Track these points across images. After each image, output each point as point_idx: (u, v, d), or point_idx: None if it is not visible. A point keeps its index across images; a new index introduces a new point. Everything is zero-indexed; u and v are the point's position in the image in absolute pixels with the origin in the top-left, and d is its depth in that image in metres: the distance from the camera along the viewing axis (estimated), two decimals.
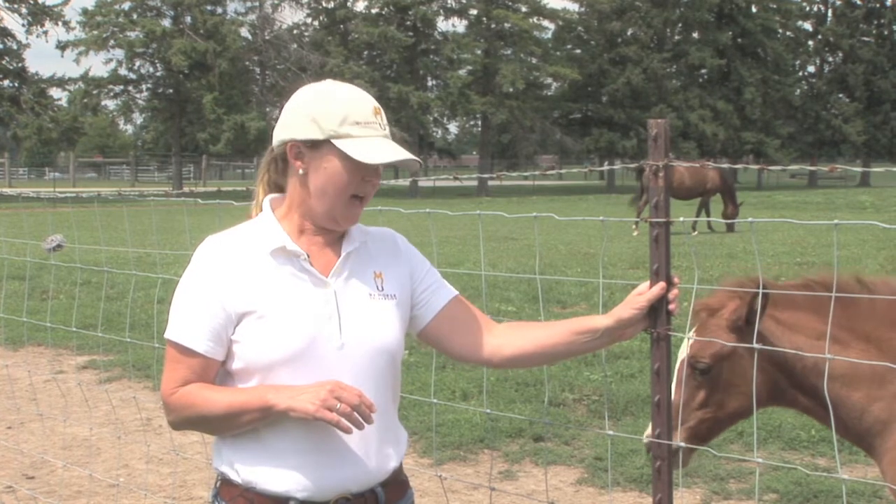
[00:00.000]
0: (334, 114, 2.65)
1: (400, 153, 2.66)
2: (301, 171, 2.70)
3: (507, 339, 2.94)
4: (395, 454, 2.82)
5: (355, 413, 2.51)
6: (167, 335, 2.70)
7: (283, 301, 2.64)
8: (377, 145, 2.66)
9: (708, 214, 26.90)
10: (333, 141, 2.64)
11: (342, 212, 2.71)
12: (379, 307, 2.77)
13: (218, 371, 2.70)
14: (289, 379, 2.61)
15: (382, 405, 2.73)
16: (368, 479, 2.73)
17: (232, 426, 2.64)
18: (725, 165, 3.19)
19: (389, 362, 2.78)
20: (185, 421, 2.71)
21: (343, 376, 2.62)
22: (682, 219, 3.02)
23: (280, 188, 2.84)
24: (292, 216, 2.76)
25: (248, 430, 2.65)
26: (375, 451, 2.73)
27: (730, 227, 25.46)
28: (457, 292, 2.98)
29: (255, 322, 2.63)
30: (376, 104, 2.74)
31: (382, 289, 2.81)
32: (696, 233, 25.48)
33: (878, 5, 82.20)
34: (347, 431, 2.52)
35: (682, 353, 3.60)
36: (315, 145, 2.67)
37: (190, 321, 2.65)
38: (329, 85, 2.76)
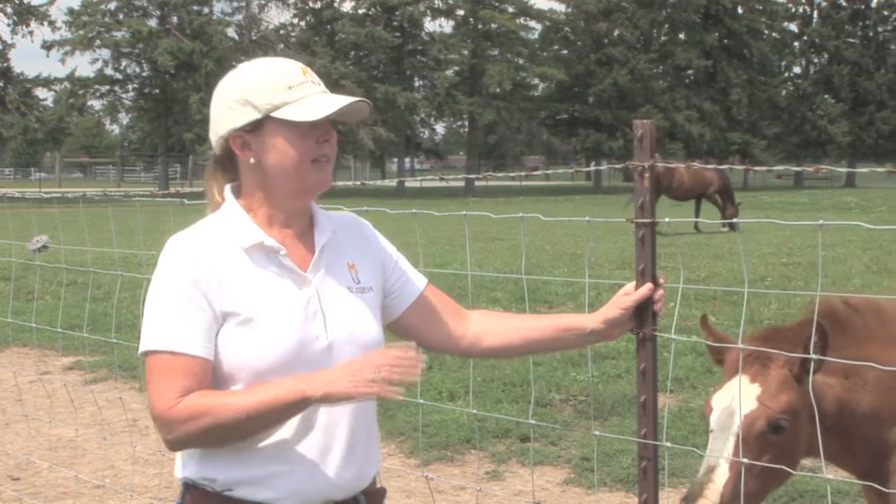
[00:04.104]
0: (263, 87, 2.52)
1: (341, 100, 2.53)
2: (252, 161, 2.56)
3: (488, 328, 2.90)
4: (376, 459, 2.75)
5: (396, 374, 2.39)
6: (150, 346, 2.46)
7: (269, 303, 2.51)
8: (317, 102, 2.52)
9: (697, 215, 26.96)
10: (273, 114, 2.51)
11: (310, 179, 2.57)
12: (359, 301, 2.67)
13: (209, 378, 2.51)
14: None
15: (367, 408, 2.68)
16: (353, 485, 2.64)
17: (258, 428, 2.46)
18: (711, 166, 3.20)
19: None
20: (194, 435, 2.43)
21: None
22: (667, 219, 3.02)
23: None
24: (257, 210, 2.61)
25: None
26: (361, 456, 2.65)
27: (732, 227, 25.46)
28: (427, 280, 2.90)
29: (240, 325, 2.48)
30: (301, 64, 2.60)
31: (359, 281, 2.70)
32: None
33: (863, 7, 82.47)
34: (396, 398, 2.40)
35: (729, 411, 3.16)
36: (257, 127, 2.53)
37: (179, 324, 2.45)
38: (245, 65, 2.64)
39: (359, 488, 2.67)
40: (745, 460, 3.06)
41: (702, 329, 3.46)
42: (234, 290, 2.50)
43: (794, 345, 3.22)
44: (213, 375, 2.51)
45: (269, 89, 2.51)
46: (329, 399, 2.40)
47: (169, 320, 2.47)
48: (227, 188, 2.65)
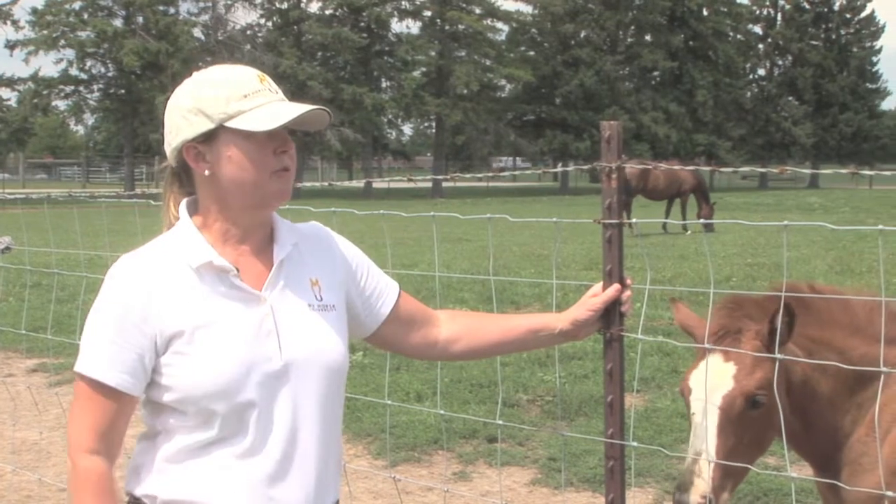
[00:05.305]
0: (217, 96, 2.39)
1: (299, 108, 2.39)
2: (207, 173, 2.42)
3: (458, 333, 2.86)
4: (333, 490, 2.60)
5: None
6: (76, 367, 2.42)
7: (214, 324, 2.38)
8: (274, 110, 2.39)
9: (667, 216, 27.13)
10: (227, 124, 2.38)
11: (269, 191, 2.43)
12: (319, 320, 2.52)
13: (132, 409, 2.44)
14: (227, 407, 2.37)
15: (331, 431, 2.54)
16: None
17: None
18: (677, 167, 3.22)
19: (336, 380, 2.55)
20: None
21: (287, 401, 2.42)
22: (634, 220, 3.04)
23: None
24: (212, 225, 2.48)
25: (179, 454, 2.43)
26: (314, 484, 2.48)
27: (708, 227, 25.56)
28: (398, 287, 2.81)
29: (184, 349, 2.37)
30: (259, 72, 2.47)
31: (321, 298, 2.55)
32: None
33: (825, 10, 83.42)
34: None
35: (708, 393, 3.18)
36: (210, 137, 2.40)
37: (102, 351, 2.39)
38: (200, 73, 2.50)
39: None
40: (721, 456, 3.09)
41: (672, 307, 3.51)
42: (178, 313, 2.38)
43: (761, 314, 3.29)
44: (158, 400, 2.43)
45: (223, 98, 2.38)
46: None
47: (96, 347, 2.41)
48: (183, 204, 2.52)
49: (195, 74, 2.51)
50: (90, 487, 2.40)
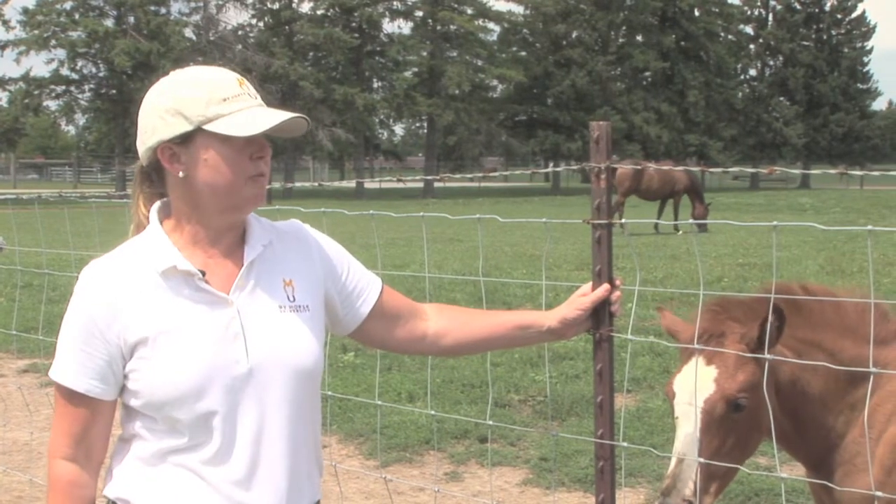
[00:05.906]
0: (197, 98, 2.35)
1: (279, 115, 2.38)
2: (181, 174, 2.39)
3: (448, 327, 2.85)
4: (318, 484, 2.60)
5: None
6: (51, 374, 2.45)
7: (177, 329, 2.35)
8: (253, 116, 2.37)
9: (659, 216, 27.12)
10: (205, 127, 2.34)
11: (243, 196, 2.41)
12: (291, 321, 2.48)
13: (109, 413, 2.46)
14: (188, 415, 2.35)
15: (303, 434, 2.51)
16: None
17: None
18: (667, 167, 3.23)
19: (307, 384, 2.50)
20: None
21: (253, 405, 2.40)
22: (623, 220, 3.05)
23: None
24: (182, 227, 2.45)
25: (151, 459, 2.42)
26: (288, 489, 2.46)
27: (701, 228, 25.54)
28: (381, 283, 2.78)
29: (147, 354, 2.35)
30: (239, 76, 2.45)
31: (294, 299, 2.51)
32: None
33: (816, 10, 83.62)
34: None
35: (690, 396, 3.18)
36: (187, 139, 2.36)
37: (73, 360, 2.41)
38: (179, 73, 2.46)
39: None
40: (704, 459, 3.10)
41: (659, 314, 3.53)
42: (142, 320, 2.36)
43: (749, 316, 3.29)
44: (127, 404, 2.45)
45: (202, 100, 2.35)
46: None
47: (66, 354, 2.44)
48: (155, 207, 2.49)
49: (172, 74, 2.48)
50: (57, 494, 2.46)
